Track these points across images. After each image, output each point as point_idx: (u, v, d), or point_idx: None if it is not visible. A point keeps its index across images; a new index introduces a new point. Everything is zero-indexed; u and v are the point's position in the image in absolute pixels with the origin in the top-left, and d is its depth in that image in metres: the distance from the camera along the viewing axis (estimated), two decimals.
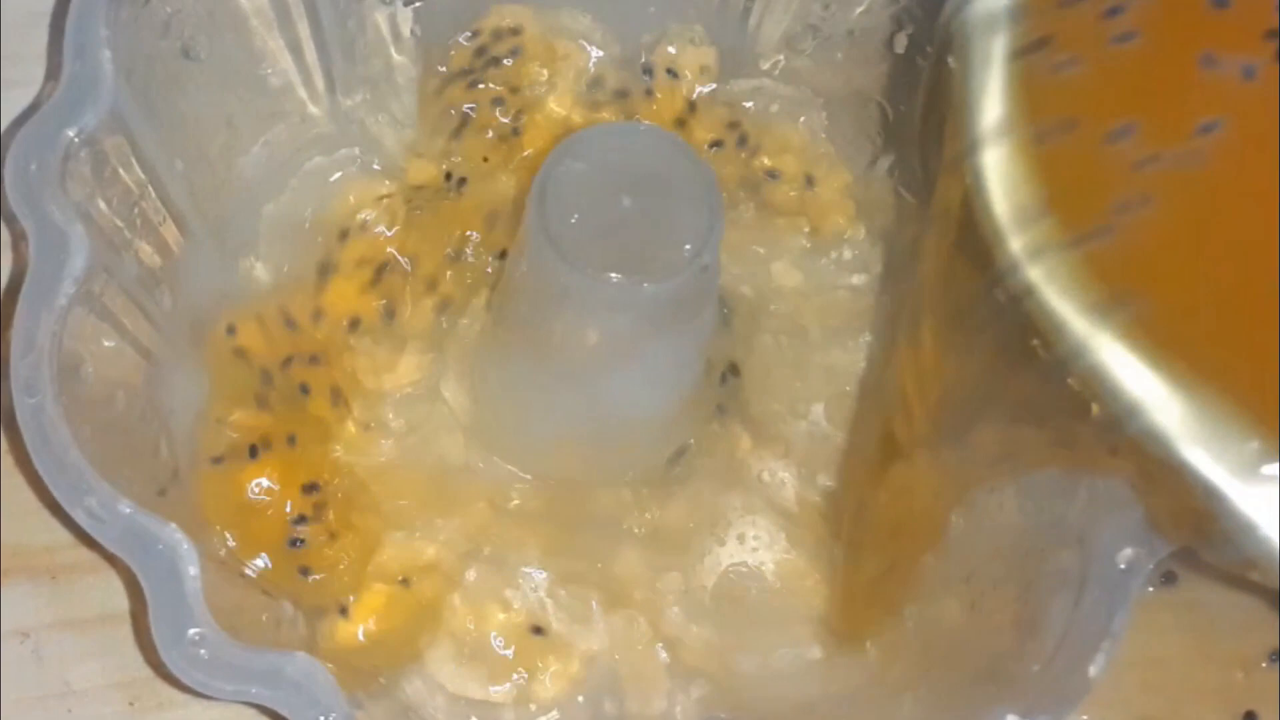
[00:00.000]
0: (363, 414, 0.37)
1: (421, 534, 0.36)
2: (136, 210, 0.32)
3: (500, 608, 0.35)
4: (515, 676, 0.35)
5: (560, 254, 0.31)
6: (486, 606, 0.35)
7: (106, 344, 0.31)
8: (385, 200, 0.38)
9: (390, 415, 0.37)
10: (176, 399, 0.34)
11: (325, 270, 0.37)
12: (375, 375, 0.37)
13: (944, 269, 0.29)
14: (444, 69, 0.39)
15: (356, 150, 0.39)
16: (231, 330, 0.36)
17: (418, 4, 0.38)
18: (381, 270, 0.38)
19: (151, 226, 0.33)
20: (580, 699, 0.35)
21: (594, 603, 0.36)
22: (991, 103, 0.28)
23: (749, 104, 0.40)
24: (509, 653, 0.35)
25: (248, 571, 0.33)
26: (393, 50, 0.39)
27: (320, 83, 0.38)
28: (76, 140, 0.29)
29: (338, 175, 0.39)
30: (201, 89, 0.34)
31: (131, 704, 0.34)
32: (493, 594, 0.36)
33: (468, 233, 0.38)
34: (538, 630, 0.35)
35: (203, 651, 0.27)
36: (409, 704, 0.34)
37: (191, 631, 0.27)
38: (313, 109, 0.38)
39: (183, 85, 0.33)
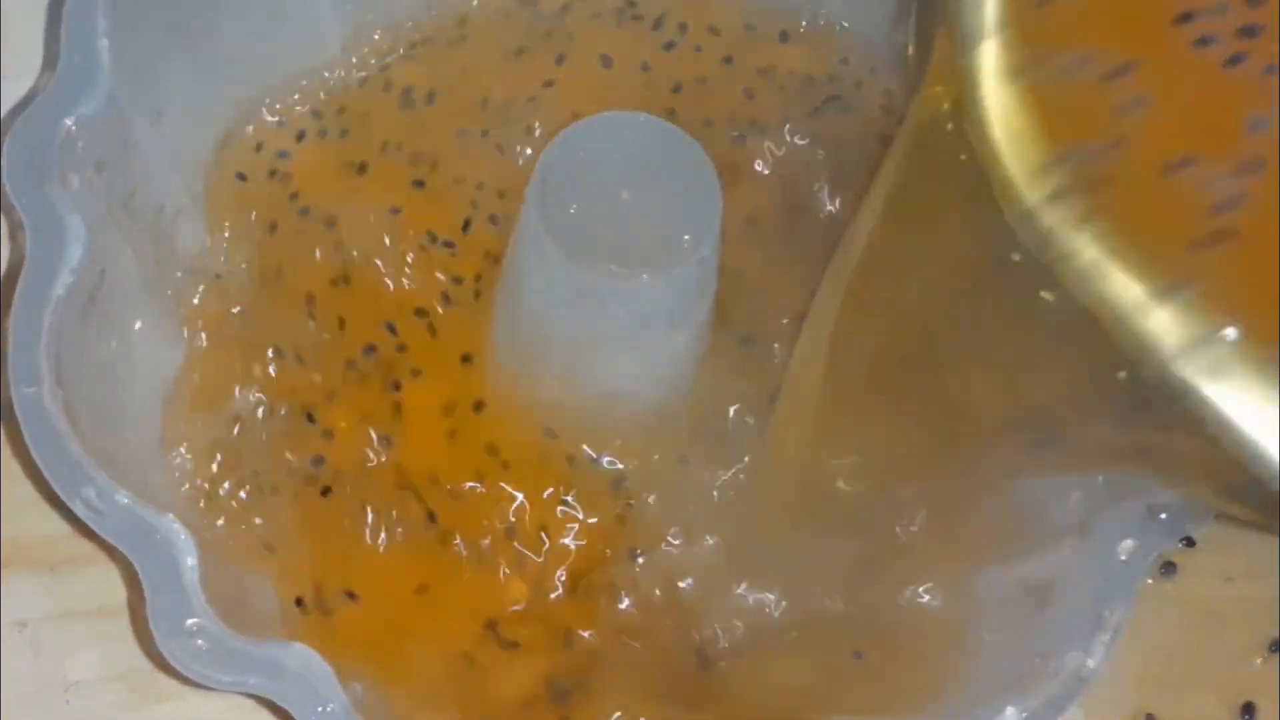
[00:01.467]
0: None
1: None
2: (135, 199, 0.32)
3: None
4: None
5: (559, 245, 0.31)
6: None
7: (104, 335, 0.31)
8: None
9: None
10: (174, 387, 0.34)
11: None
12: None
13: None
14: None
15: None
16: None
17: None
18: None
19: (150, 216, 0.33)
20: None
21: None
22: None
23: None
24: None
25: None
26: None
27: None
28: (74, 129, 0.29)
29: None
30: (201, 78, 0.34)
31: (130, 695, 0.34)
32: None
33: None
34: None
35: (200, 642, 0.27)
36: None
37: (189, 622, 0.27)
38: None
39: (182, 74, 0.33)
